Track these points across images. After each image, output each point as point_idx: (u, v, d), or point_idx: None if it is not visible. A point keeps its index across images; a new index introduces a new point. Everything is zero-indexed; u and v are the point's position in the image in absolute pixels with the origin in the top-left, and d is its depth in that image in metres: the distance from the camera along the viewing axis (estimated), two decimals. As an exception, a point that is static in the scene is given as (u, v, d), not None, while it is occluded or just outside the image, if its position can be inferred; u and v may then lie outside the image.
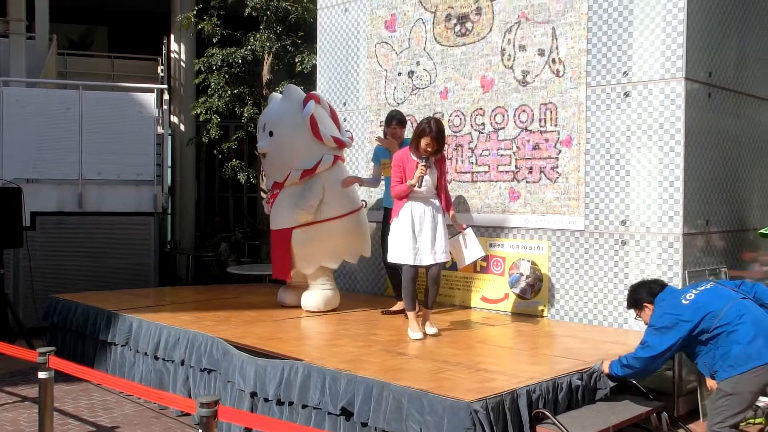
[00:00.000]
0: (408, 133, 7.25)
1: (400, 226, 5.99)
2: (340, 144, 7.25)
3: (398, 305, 6.99)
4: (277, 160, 7.14)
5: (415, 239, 5.94)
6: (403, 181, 5.98)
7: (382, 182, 7.38)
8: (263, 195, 7.69)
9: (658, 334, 4.52)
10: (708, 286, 4.63)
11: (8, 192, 8.41)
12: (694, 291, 4.58)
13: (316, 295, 7.22)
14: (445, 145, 6.42)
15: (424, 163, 5.92)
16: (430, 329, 6.07)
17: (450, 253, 6.19)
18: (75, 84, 10.92)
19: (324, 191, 7.04)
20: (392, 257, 6.04)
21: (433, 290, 6.10)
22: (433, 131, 5.89)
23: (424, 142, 5.90)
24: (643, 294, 4.76)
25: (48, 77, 13.29)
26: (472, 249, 6.27)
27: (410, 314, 6.05)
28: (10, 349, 5.84)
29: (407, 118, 7.97)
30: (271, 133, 7.10)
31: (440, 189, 6.12)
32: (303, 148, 7.05)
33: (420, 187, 5.91)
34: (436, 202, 6.08)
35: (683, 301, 4.50)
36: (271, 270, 7.61)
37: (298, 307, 7.25)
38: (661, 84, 6.17)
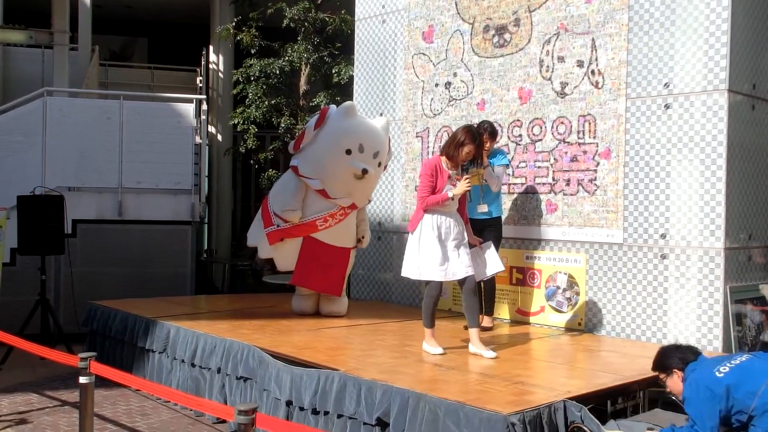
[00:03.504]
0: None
1: (428, 240, 5.70)
2: None
3: (484, 320, 6.86)
4: (370, 188, 7.52)
5: (444, 254, 5.69)
6: (434, 191, 5.71)
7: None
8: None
9: (699, 410, 4.17)
10: (744, 359, 4.28)
11: (51, 200, 8.55)
12: (728, 364, 4.26)
13: (344, 301, 7.75)
14: None
15: (468, 175, 5.71)
16: (488, 353, 5.65)
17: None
18: (116, 94, 11.09)
19: None
20: (420, 273, 5.75)
21: (476, 303, 5.84)
22: (474, 139, 5.67)
23: (466, 150, 5.67)
24: (674, 360, 4.42)
25: (90, 88, 13.51)
26: (491, 263, 6.00)
27: (428, 331, 5.83)
28: (52, 354, 5.92)
29: (443, 129, 7.99)
30: (379, 164, 7.28)
31: (462, 202, 5.95)
32: None
33: (471, 200, 5.88)
34: (458, 215, 5.86)
35: (717, 374, 4.18)
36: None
37: (317, 314, 7.63)
38: (703, 96, 6.09)
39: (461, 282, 5.79)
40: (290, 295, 7.95)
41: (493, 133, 6.74)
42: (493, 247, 6.09)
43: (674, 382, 4.41)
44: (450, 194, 5.66)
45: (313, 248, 7.33)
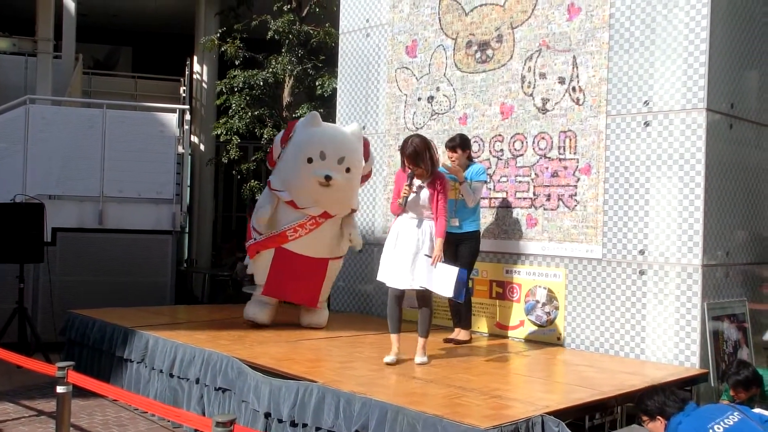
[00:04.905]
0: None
1: (387, 243, 5.96)
2: None
3: (456, 332, 6.93)
4: (345, 195, 7.28)
5: (394, 259, 5.85)
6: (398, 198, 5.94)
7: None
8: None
9: None
10: (736, 419, 4.13)
11: (31, 208, 8.52)
12: (722, 423, 4.11)
13: (324, 314, 7.73)
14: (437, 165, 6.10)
15: (408, 183, 5.81)
16: (419, 359, 5.87)
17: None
18: (99, 103, 11.06)
19: None
20: (378, 274, 6.00)
21: (420, 317, 5.92)
22: (406, 150, 5.81)
23: (404, 160, 5.90)
24: (659, 406, 4.33)
25: (73, 96, 13.47)
26: (443, 284, 5.80)
27: (391, 337, 5.92)
28: (29, 363, 5.88)
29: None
30: (348, 170, 7.15)
31: (434, 212, 5.88)
32: (357, 191, 7.60)
33: (403, 206, 5.83)
34: (427, 224, 5.87)
35: None
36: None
37: (262, 328, 7.43)
38: (682, 114, 6.17)
39: (417, 293, 5.92)
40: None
41: (463, 145, 6.78)
42: (449, 272, 5.78)
43: (656, 428, 4.35)
44: (398, 201, 5.86)
45: (285, 259, 7.30)
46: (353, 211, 7.55)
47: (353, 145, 7.26)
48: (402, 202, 5.81)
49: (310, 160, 7.03)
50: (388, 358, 5.82)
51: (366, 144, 7.43)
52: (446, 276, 5.78)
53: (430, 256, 5.80)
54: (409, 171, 5.85)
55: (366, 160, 7.41)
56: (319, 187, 7.01)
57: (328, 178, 6.95)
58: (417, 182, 5.89)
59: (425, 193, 5.86)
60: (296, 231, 7.22)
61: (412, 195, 5.83)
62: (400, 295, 5.93)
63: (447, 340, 6.85)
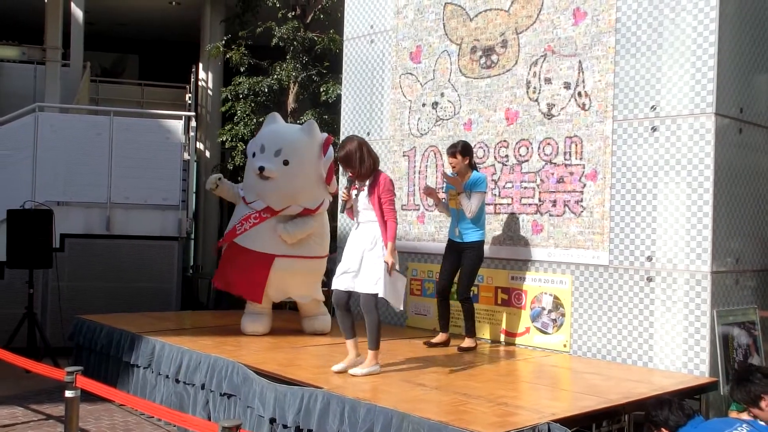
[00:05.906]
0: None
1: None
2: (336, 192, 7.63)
3: (439, 337, 6.89)
4: (284, 188, 7.10)
5: (343, 263, 5.73)
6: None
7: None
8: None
9: None
10: (744, 431, 4.15)
11: (40, 214, 8.57)
12: None
13: (326, 320, 7.66)
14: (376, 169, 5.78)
15: (346, 186, 5.74)
16: (357, 370, 5.60)
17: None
18: (106, 110, 11.11)
19: (314, 230, 7.33)
20: None
21: (345, 319, 5.74)
22: (339, 153, 5.73)
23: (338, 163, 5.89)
24: (663, 419, 4.33)
25: (81, 103, 13.53)
26: (393, 294, 5.66)
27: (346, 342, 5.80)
28: (38, 368, 5.91)
29: (430, 149, 8.02)
30: (286, 162, 7.04)
31: (378, 217, 5.62)
32: (312, 187, 7.29)
33: (342, 212, 5.85)
34: (366, 227, 5.69)
35: None
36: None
37: (267, 334, 7.38)
38: (690, 119, 6.14)
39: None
40: (275, 312, 7.85)
41: (464, 151, 6.68)
42: (401, 282, 5.74)
43: None
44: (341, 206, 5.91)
45: (233, 252, 7.30)
46: (310, 210, 7.26)
47: (294, 137, 7.23)
48: (342, 206, 5.84)
49: (253, 155, 7.21)
50: (336, 366, 5.67)
51: (327, 140, 7.30)
52: (399, 284, 5.73)
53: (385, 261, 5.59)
54: (349, 176, 5.77)
55: (324, 155, 7.26)
56: (257, 179, 7.09)
57: (261, 169, 6.99)
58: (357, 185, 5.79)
59: (364, 197, 5.69)
60: (242, 224, 7.24)
61: (353, 198, 5.75)
62: (345, 298, 5.75)
63: (429, 344, 6.83)
